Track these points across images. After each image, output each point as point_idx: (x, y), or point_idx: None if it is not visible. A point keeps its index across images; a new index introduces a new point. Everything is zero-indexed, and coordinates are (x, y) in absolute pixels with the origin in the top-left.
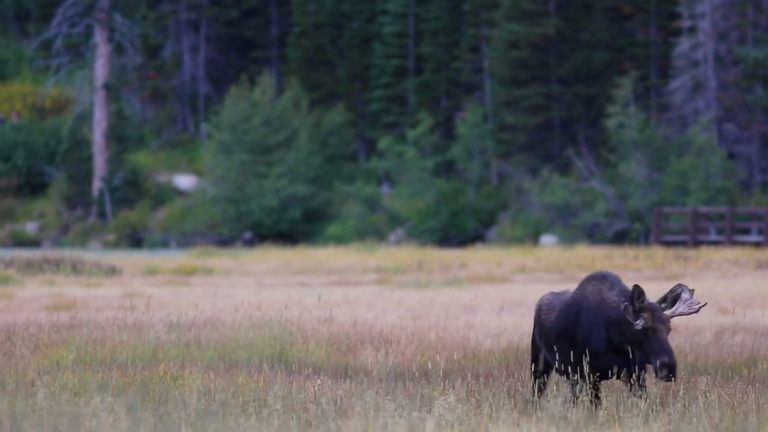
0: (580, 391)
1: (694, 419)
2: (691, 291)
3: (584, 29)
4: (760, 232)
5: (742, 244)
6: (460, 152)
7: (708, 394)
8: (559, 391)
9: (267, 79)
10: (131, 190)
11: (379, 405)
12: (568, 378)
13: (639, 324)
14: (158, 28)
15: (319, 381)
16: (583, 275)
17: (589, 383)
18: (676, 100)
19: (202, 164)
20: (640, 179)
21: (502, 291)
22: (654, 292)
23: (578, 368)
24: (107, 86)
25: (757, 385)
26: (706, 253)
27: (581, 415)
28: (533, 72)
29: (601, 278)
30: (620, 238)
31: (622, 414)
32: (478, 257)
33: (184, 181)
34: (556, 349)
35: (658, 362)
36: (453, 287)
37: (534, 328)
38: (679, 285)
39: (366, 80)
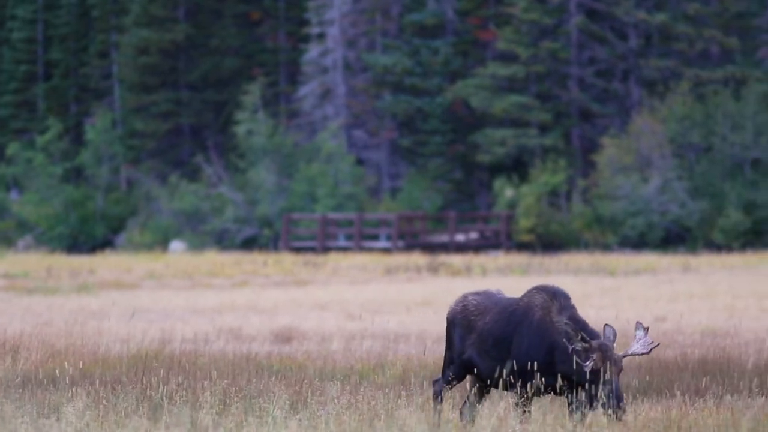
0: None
1: (323, 425)
2: (646, 329)
3: (213, 35)
4: (389, 237)
5: (371, 249)
6: (89, 158)
7: (337, 400)
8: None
9: None
10: None
11: (6, 413)
12: (497, 389)
13: (588, 366)
14: None
15: None
16: (214, 281)
17: (523, 395)
18: (306, 106)
19: None
20: (269, 185)
21: (131, 297)
22: (282, 298)
23: (520, 379)
24: None
25: (386, 390)
26: (335, 259)
27: (210, 421)
28: (163, 78)
29: (552, 295)
30: (250, 244)
31: (251, 419)
32: (107, 263)
33: None
34: (493, 355)
35: (606, 405)
36: (82, 293)
37: (453, 329)
38: (638, 323)
39: None
